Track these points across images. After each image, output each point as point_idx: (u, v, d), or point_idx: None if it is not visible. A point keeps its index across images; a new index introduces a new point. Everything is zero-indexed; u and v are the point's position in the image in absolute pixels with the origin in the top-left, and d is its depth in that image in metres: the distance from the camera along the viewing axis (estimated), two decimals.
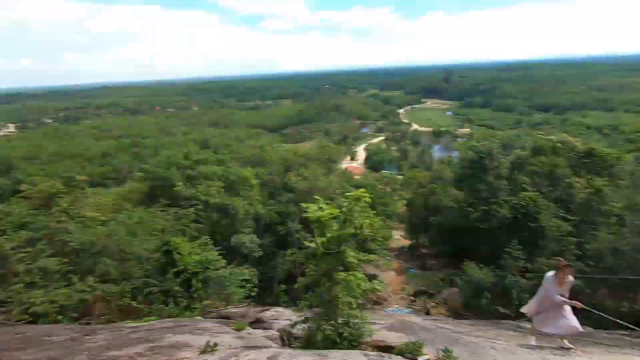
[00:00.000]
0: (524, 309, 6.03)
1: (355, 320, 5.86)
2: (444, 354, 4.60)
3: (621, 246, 19.13)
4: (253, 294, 13.93)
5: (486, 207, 27.60)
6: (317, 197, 5.86)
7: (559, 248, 22.52)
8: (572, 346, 5.38)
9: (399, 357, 4.97)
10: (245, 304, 13.54)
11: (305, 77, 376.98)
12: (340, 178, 32.92)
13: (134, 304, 10.86)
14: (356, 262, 5.56)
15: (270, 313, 10.00)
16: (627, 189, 21.46)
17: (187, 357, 4.81)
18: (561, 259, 5.75)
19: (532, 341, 5.88)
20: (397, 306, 25.59)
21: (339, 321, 5.77)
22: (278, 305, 20.21)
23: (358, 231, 5.55)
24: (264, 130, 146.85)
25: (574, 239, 22.23)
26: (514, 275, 22.35)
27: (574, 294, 5.57)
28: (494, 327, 11.38)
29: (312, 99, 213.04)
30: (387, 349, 5.49)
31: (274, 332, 7.90)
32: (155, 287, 11.48)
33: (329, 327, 5.61)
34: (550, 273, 5.59)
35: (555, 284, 5.46)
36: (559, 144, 32.53)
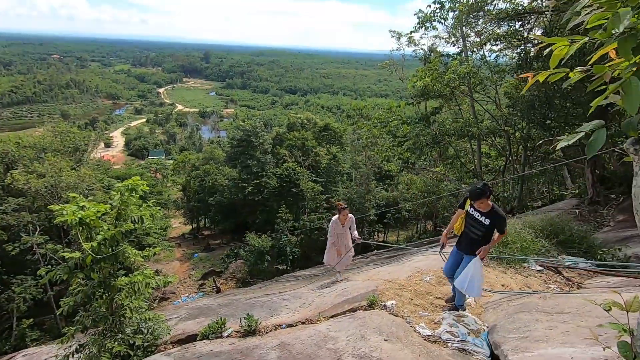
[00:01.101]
0: (324, 260, 6.86)
1: (149, 324, 5.23)
2: (247, 320, 4.85)
3: (352, 195, 25.88)
4: None
5: (257, 181, 30.36)
6: (73, 195, 4.62)
7: (314, 205, 27.94)
8: (342, 278, 6.76)
9: (204, 341, 4.87)
10: None
11: (13, 40, 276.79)
12: (96, 170, 27.33)
13: None
14: (141, 259, 4.88)
15: None
16: (351, 152, 28.84)
17: None
18: (340, 202, 6.61)
19: (340, 277, 6.80)
20: (187, 295, 24.73)
21: (128, 332, 4.98)
22: (25, 347, 15.21)
23: (138, 225, 4.84)
24: None
25: (324, 196, 28.10)
26: (286, 235, 26.13)
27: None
28: (278, 282, 13.03)
29: (33, 72, 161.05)
30: (190, 339, 5.25)
31: None
32: None
33: (116, 343, 4.75)
34: (335, 217, 6.51)
35: (339, 224, 6.46)
36: (305, 121, 39.52)
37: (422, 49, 17.63)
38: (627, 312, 1.51)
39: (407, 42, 18.12)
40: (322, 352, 3.47)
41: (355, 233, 6.59)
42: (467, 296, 4.38)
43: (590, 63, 1.51)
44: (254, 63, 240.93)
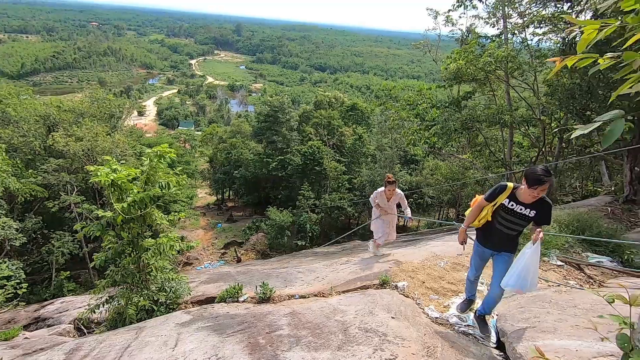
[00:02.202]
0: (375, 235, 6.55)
1: (172, 284, 5.58)
2: (262, 288, 5.08)
3: (375, 177, 25.72)
4: (22, 291, 10.82)
5: (282, 157, 30.67)
6: (107, 157, 4.91)
7: (337, 185, 28.01)
8: (382, 254, 6.48)
9: (222, 303, 5.15)
10: (8, 308, 10.44)
11: (55, 7, 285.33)
12: (129, 137, 28.44)
13: None
14: (166, 223, 5.17)
15: (54, 306, 8.13)
16: (377, 134, 28.44)
17: None
18: (390, 175, 6.10)
19: (370, 248, 6.56)
20: (209, 262, 25.88)
21: (152, 289, 5.35)
22: (62, 295, 16.58)
23: (165, 191, 5.10)
24: None
25: (347, 176, 28.07)
26: (307, 212, 26.51)
27: None
28: (296, 257, 13.38)
29: (73, 38, 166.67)
30: (208, 300, 5.58)
31: (65, 326, 6.55)
32: None
33: (142, 298, 5.13)
34: (381, 188, 6.07)
35: (383, 197, 6.05)
36: (333, 100, 39.10)
37: (459, 29, 16.79)
38: (630, 306, 1.51)
39: (444, 22, 17.30)
40: (330, 322, 3.62)
41: (408, 211, 6.19)
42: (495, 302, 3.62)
43: (623, 49, 1.45)
44: (285, 38, 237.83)
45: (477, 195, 3.65)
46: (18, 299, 11.36)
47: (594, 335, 2.53)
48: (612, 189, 11.53)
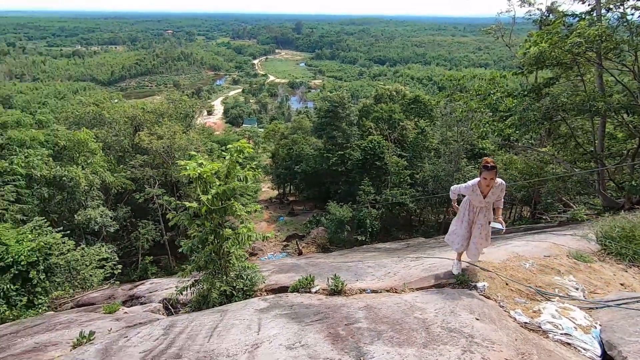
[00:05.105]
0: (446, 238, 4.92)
1: (247, 272, 5.91)
2: (333, 280, 5.14)
3: (438, 173, 24.60)
4: (117, 271, 12.31)
5: (342, 152, 30.71)
6: (193, 153, 5.35)
7: (398, 180, 27.32)
8: (458, 271, 4.86)
9: (295, 293, 5.32)
10: (108, 285, 11.93)
11: (138, 19, 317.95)
12: (201, 135, 30.72)
13: None
14: (246, 214, 5.49)
15: (145, 287, 9.11)
16: (442, 127, 27.10)
17: (58, 357, 4.00)
18: (488, 159, 4.12)
19: (457, 268, 4.91)
20: (272, 253, 26.98)
21: (232, 276, 5.72)
22: (147, 277, 18.58)
23: (243, 184, 5.41)
24: (93, 84, 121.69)
25: (408, 171, 27.22)
26: (367, 207, 26.28)
27: None
28: (357, 252, 13.36)
29: (152, 46, 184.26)
30: (281, 290, 5.80)
31: (156, 305, 7.30)
32: None
33: (223, 283, 5.52)
34: (472, 182, 4.18)
35: (477, 193, 4.11)
36: (394, 93, 38.10)
37: (538, 9, 15.25)
38: None
39: (519, 2, 15.88)
40: (409, 319, 3.54)
41: (499, 213, 4.39)
42: None
43: None
44: (343, 32, 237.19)
45: None
46: (114, 278, 12.94)
47: None
48: None
